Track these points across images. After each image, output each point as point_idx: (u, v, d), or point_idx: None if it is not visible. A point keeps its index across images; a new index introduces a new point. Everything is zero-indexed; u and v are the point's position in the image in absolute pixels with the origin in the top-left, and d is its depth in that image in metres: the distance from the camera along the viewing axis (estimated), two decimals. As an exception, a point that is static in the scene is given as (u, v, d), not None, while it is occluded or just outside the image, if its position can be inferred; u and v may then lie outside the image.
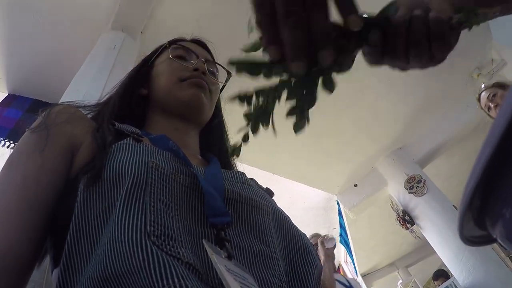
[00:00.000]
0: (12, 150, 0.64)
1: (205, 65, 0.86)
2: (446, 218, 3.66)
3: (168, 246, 0.45)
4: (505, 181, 0.28)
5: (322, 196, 4.85)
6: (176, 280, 0.40)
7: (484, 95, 2.50)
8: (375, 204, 4.62)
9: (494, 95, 2.43)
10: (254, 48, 0.42)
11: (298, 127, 0.47)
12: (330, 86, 0.43)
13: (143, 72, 0.89)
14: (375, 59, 0.47)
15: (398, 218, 4.21)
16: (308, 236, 2.56)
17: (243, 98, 0.44)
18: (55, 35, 2.94)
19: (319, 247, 2.42)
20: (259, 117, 0.47)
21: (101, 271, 0.42)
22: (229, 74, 0.93)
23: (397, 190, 4.29)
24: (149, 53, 0.94)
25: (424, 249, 5.69)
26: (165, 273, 0.40)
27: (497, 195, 0.29)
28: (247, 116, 0.46)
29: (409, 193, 4.09)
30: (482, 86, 2.54)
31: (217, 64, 0.93)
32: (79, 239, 0.49)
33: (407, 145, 4.48)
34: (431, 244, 3.83)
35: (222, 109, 0.99)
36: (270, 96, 0.44)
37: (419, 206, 3.97)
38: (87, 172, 0.56)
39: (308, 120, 0.46)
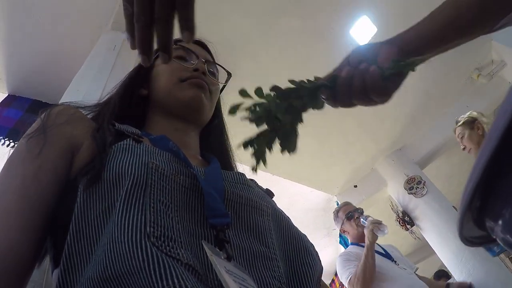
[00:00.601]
0: (11, 150, 0.64)
1: (205, 65, 0.86)
2: (446, 219, 3.65)
3: (167, 247, 0.45)
4: (505, 182, 0.28)
5: (322, 197, 4.84)
6: (175, 281, 0.40)
7: (457, 131, 2.58)
8: (375, 205, 4.62)
9: (462, 137, 2.50)
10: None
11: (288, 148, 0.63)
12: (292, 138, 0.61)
13: (143, 72, 0.89)
14: (332, 105, 0.65)
15: (398, 219, 4.21)
16: (340, 205, 2.56)
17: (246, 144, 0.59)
18: (55, 35, 2.94)
19: (367, 230, 2.43)
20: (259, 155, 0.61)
21: (100, 271, 0.42)
22: (229, 74, 0.93)
23: (397, 191, 4.29)
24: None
25: (424, 250, 5.68)
26: (165, 274, 0.40)
27: (496, 196, 0.29)
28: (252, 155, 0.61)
29: (408, 194, 4.08)
30: (458, 119, 2.63)
31: (217, 65, 0.93)
32: (79, 239, 0.49)
33: (407, 146, 4.48)
34: (431, 245, 3.82)
35: (222, 110, 0.99)
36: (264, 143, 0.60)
37: (419, 207, 3.96)
38: (87, 172, 0.56)
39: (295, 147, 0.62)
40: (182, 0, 0.46)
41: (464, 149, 2.51)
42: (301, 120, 0.59)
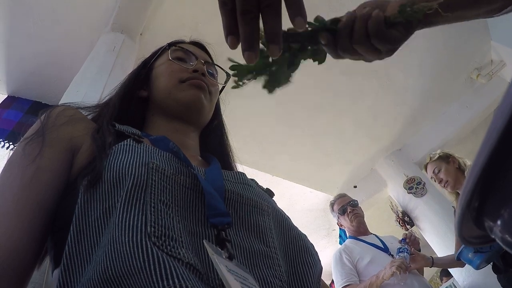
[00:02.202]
0: (11, 152, 0.64)
1: (205, 66, 0.87)
2: (445, 219, 3.65)
3: (168, 247, 0.45)
4: (503, 182, 0.28)
5: (322, 197, 4.84)
6: (176, 280, 0.40)
7: (430, 167, 2.64)
8: (374, 205, 4.62)
9: (439, 171, 2.56)
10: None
11: (269, 86, 0.55)
12: (292, 69, 0.55)
13: (142, 74, 0.89)
14: (333, 54, 0.59)
15: (398, 219, 4.21)
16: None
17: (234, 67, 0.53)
18: (55, 36, 2.93)
19: (390, 267, 2.30)
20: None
21: (101, 272, 0.42)
22: (228, 75, 0.93)
23: (397, 191, 4.28)
24: (148, 55, 0.94)
25: (423, 250, 5.68)
26: (166, 274, 0.40)
27: (495, 196, 0.29)
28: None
29: (408, 194, 4.08)
30: (431, 155, 2.71)
31: (216, 66, 0.94)
32: (79, 240, 0.49)
33: (407, 146, 4.48)
34: (430, 245, 3.82)
35: (221, 111, 0.99)
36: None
37: (419, 207, 3.96)
38: (88, 173, 0.56)
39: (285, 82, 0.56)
40: None
41: (440, 182, 2.58)
42: (296, 66, 0.55)
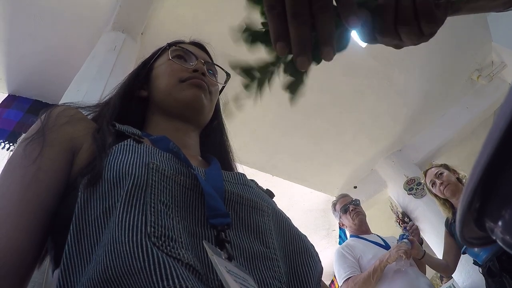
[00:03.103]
0: (11, 153, 0.64)
1: (205, 66, 0.87)
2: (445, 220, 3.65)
3: (168, 247, 0.45)
4: (505, 183, 0.28)
5: (322, 198, 4.84)
6: (176, 281, 0.40)
7: (432, 170, 2.74)
8: (374, 206, 4.61)
9: (441, 174, 2.66)
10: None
11: (293, 99, 0.50)
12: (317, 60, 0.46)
13: (142, 74, 0.89)
14: (366, 37, 0.51)
15: (398, 220, 4.20)
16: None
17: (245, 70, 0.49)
18: (55, 35, 2.94)
19: (394, 251, 2.35)
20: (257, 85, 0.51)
21: (101, 272, 0.42)
22: (228, 75, 0.93)
23: (397, 192, 4.28)
24: (149, 55, 0.94)
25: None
26: (165, 274, 0.40)
27: (496, 196, 0.29)
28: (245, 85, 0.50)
29: (408, 195, 4.08)
30: (433, 162, 2.86)
31: (216, 66, 0.94)
32: (79, 240, 0.49)
33: (407, 147, 4.48)
34: (430, 246, 3.82)
35: (222, 111, 0.99)
36: (267, 72, 0.50)
37: (419, 208, 3.95)
38: (88, 173, 0.56)
39: (300, 93, 0.50)
40: None
41: (441, 185, 2.63)
42: (317, 56, 0.44)
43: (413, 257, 2.46)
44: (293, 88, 0.50)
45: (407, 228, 2.60)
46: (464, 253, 2.46)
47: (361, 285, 2.30)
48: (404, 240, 2.45)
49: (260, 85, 0.51)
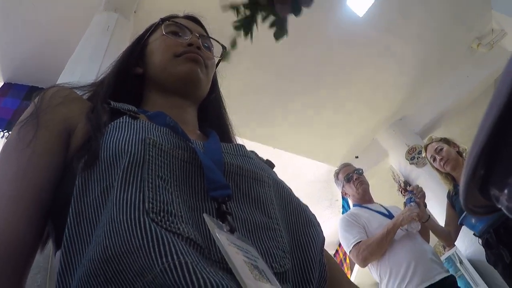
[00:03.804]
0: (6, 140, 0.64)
1: (200, 40, 0.85)
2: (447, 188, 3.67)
3: (167, 222, 0.44)
4: (510, 150, 0.28)
5: (324, 168, 4.86)
6: (175, 257, 0.40)
7: (433, 145, 2.76)
8: (376, 175, 4.64)
9: (441, 149, 2.69)
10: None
11: (278, 35, 0.63)
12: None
13: (137, 50, 0.88)
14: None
15: (400, 189, 4.24)
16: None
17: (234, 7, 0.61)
18: (48, 19, 2.89)
19: (406, 214, 2.36)
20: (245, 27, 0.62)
21: (101, 252, 0.42)
22: (224, 48, 0.91)
23: (398, 161, 4.30)
24: (142, 32, 0.92)
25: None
26: (164, 250, 0.40)
27: (501, 164, 0.29)
28: (235, 25, 0.62)
29: (410, 164, 4.09)
30: (433, 137, 2.87)
31: (211, 39, 0.92)
32: (79, 221, 0.48)
33: (408, 116, 4.47)
34: (432, 215, 3.86)
35: (219, 84, 0.98)
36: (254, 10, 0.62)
37: (421, 177, 3.97)
38: (84, 155, 0.55)
39: (287, 31, 0.63)
40: None
41: (441, 160, 2.67)
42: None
43: None
44: (278, 35, 0.63)
45: (414, 191, 2.61)
46: (461, 224, 2.47)
47: (375, 248, 2.30)
48: (412, 203, 2.47)
49: (249, 24, 0.61)
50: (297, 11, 0.59)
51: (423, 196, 2.59)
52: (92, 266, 0.42)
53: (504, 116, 0.25)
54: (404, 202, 2.59)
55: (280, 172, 0.78)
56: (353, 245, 2.37)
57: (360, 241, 2.36)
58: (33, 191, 0.56)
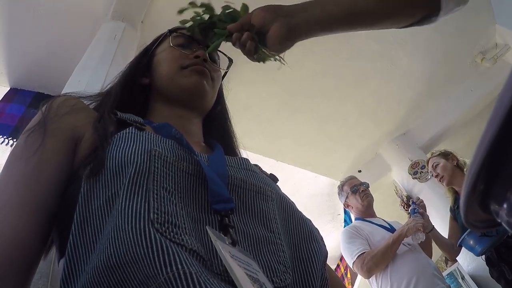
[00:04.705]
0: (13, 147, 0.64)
1: (206, 52, 0.86)
2: (450, 204, 3.65)
3: (172, 233, 0.45)
4: (510, 164, 0.28)
5: (327, 182, 4.84)
6: (179, 267, 0.40)
7: (432, 160, 2.88)
8: (379, 190, 4.60)
9: (437, 165, 2.77)
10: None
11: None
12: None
13: (144, 61, 0.89)
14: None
15: (403, 204, 4.20)
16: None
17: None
18: (55, 27, 2.92)
19: (411, 225, 2.36)
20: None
21: (105, 260, 0.42)
22: (230, 61, 0.92)
23: (401, 176, 4.27)
24: (149, 43, 0.94)
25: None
26: (169, 260, 0.40)
27: (501, 178, 0.29)
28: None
29: (413, 178, 4.07)
30: (431, 153, 3.01)
31: (218, 51, 0.93)
32: (83, 229, 0.49)
33: (411, 130, 4.45)
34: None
35: (224, 96, 0.98)
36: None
37: (423, 192, 3.94)
38: (90, 162, 0.56)
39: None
40: None
41: (437, 176, 2.76)
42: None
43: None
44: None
45: (415, 202, 2.62)
46: (460, 246, 2.44)
47: (380, 258, 2.28)
48: (416, 214, 2.49)
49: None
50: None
51: (423, 207, 2.61)
52: (96, 274, 0.42)
53: (504, 131, 0.25)
54: (408, 213, 2.59)
55: (283, 185, 0.78)
56: (357, 256, 2.34)
57: (364, 252, 2.34)
58: (39, 198, 0.57)
